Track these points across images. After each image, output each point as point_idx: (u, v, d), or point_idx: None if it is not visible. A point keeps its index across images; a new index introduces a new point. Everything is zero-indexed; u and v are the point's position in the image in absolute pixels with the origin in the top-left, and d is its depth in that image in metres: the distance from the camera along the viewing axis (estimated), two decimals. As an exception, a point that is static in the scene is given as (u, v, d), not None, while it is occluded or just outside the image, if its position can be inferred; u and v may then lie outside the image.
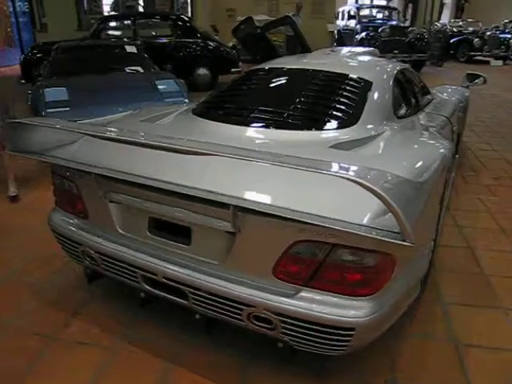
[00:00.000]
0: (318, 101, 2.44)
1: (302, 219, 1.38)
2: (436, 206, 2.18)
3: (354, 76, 2.58)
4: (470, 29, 15.96)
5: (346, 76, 2.59)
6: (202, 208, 1.65)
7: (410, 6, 17.61)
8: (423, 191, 1.71)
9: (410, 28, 12.61)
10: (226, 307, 1.72)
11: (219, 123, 2.29)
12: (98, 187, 1.91)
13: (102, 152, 1.91)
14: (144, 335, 2.14)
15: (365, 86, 2.49)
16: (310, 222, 1.37)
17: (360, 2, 18.63)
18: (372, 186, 1.21)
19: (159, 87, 4.85)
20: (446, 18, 20.40)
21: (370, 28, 12.65)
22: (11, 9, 13.20)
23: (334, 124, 2.24)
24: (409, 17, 17.88)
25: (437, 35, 14.12)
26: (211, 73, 8.72)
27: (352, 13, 14.34)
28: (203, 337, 2.06)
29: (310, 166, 1.32)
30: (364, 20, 13.80)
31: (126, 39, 8.22)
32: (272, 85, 2.77)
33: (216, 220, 1.65)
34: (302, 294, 1.60)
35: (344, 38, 14.46)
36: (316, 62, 3.08)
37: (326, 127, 2.22)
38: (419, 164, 1.91)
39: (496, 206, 3.60)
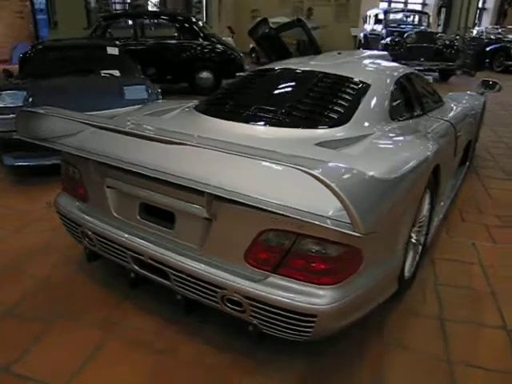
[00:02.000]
0: (314, 100, 2.52)
1: (255, 204, 1.50)
2: (414, 205, 2.17)
3: (353, 78, 2.66)
4: (510, 36, 14.83)
5: (344, 78, 2.67)
6: (182, 194, 1.81)
7: (443, 10, 16.53)
8: (390, 188, 1.76)
9: (439, 34, 11.72)
10: (202, 289, 1.85)
11: (216, 119, 2.44)
12: (97, 173, 2.12)
13: (102, 141, 2.07)
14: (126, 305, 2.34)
15: (362, 88, 2.57)
16: (262, 207, 1.49)
17: (393, 6, 17.72)
18: (317, 174, 1.27)
19: (126, 94, 4.44)
20: (486, 24, 19.16)
21: (395, 33, 11.83)
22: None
23: (325, 122, 2.33)
24: (441, 22, 16.82)
25: (471, 42, 13.14)
26: (214, 76, 8.23)
27: (380, 16, 13.52)
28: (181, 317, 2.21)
29: (266, 156, 1.44)
30: (392, 24, 12.97)
31: (125, 40, 7.90)
32: (273, 84, 2.87)
33: (194, 206, 1.80)
34: (270, 279, 1.70)
35: (370, 42, 13.69)
36: (321, 63, 3.16)
37: (317, 125, 2.31)
38: (396, 163, 1.97)
39: (493, 257, 2.91)
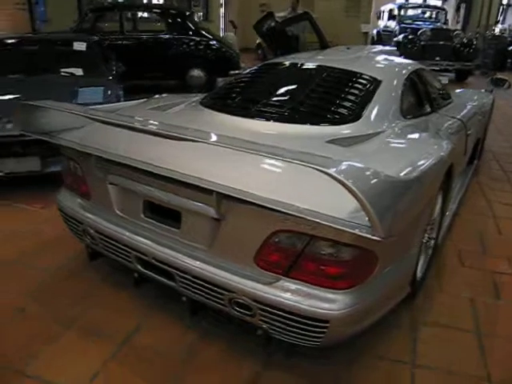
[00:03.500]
0: (324, 96, 2.44)
1: (267, 205, 1.42)
2: (429, 206, 2.09)
3: (364, 74, 2.57)
4: (535, 35, 13.88)
5: (355, 73, 2.59)
6: (190, 193, 1.72)
7: (463, 6, 15.55)
8: (408, 189, 1.65)
9: (456, 32, 10.87)
10: (209, 291, 1.77)
11: (223, 114, 2.35)
12: (99, 169, 2.04)
13: (105, 136, 1.99)
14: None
15: (373, 84, 2.49)
16: (276, 208, 1.41)
17: (410, 1, 16.83)
18: (337, 176, 1.21)
19: (79, 96, 3.91)
20: (511, 21, 18.11)
21: (409, 30, 11.04)
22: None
23: (335, 119, 2.25)
24: (461, 19, 15.85)
25: (492, 41, 12.27)
26: (207, 74, 7.64)
27: (394, 12, 12.73)
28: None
29: (279, 154, 1.36)
30: (407, 21, 12.17)
31: (111, 34, 7.37)
32: (279, 79, 2.79)
33: (203, 206, 1.72)
34: (281, 283, 1.63)
35: (383, 39, 12.93)
36: (329, 58, 3.11)
37: (327, 122, 2.23)
38: (411, 163, 1.87)
39: (494, 322, 2.25)
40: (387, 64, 3.07)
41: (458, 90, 4.47)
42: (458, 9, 16.05)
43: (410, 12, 12.91)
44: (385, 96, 2.44)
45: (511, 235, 3.19)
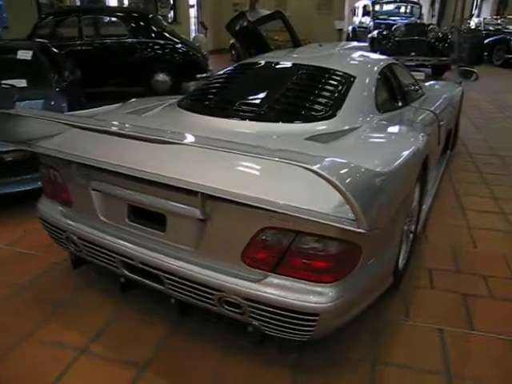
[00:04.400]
0: (299, 94, 2.47)
1: (252, 203, 1.44)
2: (408, 198, 2.11)
3: (337, 70, 2.60)
4: (510, 27, 13.78)
5: (328, 70, 2.62)
6: (174, 195, 1.71)
7: (438, 0, 15.41)
8: (388, 182, 1.66)
9: (431, 26, 10.68)
10: (198, 292, 1.78)
11: (200, 115, 2.38)
12: (81, 176, 2.02)
13: (85, 142, 1.98)
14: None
15: (347, 80, 2.52)
16: (261, 206, 1.43)
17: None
18: (322, 172, 1.24)
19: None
20: (486, 14, 18.07)
21: (383, 26, 10.83)
22: None
23: (312, 116, 2.28)
24: (436, 13, 15.72)
25: (467, 35, 12.13)
26: (173, 79, 7.31)
27: (368, 8, 12.53)
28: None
29: (261, 153, 1.39)
30: (381, 16, 11.98)
31: (71, 39, 7.01)
32: (255, 78, 2.82)
33: (187, 207, 1.71)
34: (269, 279, 1.65)
35: (359, 36, 12.74)
36: (303, 56, 3.19)
37: (304, 119, 2.25)
38: (390, 156, 1.92)
39: (465, 358, 1.95)
40: (360, 60, 3.14)
41: (427, 83, 4.41)
42: (432, 3, 15.93)
43: (385, 7, 12.72)
44: (359, 91, 2.47)
45: (487, 248, 2.92)
